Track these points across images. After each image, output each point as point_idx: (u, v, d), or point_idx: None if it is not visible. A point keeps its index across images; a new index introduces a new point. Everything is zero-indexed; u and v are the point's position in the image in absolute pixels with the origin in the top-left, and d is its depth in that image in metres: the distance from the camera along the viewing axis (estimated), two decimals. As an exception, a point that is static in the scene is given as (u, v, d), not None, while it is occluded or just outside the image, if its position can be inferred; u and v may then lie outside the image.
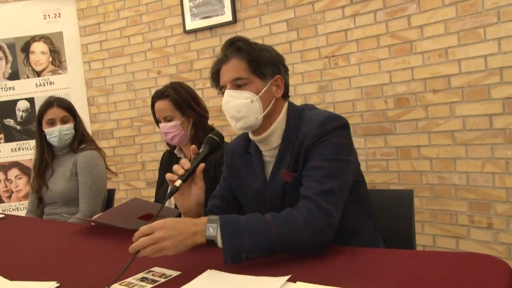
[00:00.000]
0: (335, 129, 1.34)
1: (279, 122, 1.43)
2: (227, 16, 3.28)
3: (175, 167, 1.32)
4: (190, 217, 1.38)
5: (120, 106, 3.80)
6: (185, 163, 1.32)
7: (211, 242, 1.17)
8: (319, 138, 1.32)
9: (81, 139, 2.47)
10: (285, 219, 1.20)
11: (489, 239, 2.43)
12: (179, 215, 1.71)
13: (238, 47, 1.41)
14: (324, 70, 2.95)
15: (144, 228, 1.16)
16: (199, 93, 3.35)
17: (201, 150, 1.36)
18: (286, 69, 1.49)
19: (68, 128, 2.42)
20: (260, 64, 1.40)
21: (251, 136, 1.49)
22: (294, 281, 1.02)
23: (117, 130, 3.83)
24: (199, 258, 1.24)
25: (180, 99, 2.05)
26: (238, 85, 1.40)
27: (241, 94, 1.39)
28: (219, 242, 1.16)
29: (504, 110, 2.32)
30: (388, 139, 2.75)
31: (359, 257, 1.15)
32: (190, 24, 3.43)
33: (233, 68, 1.40)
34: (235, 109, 1.38)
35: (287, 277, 1.04)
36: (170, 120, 2.06)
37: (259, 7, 3.18)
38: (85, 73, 3.87)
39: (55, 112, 2.41)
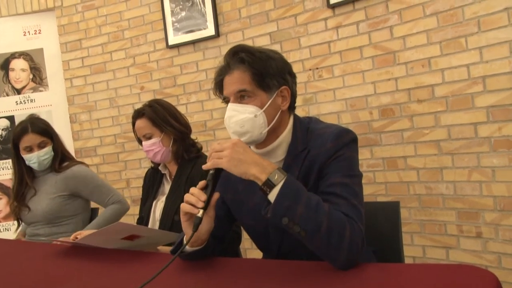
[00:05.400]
0: (349, 143, 1.33)
1: (286, 135, 1.40)
2: (210, 30, 3.28)
3: (192, 199, 1.26)
4: (198, 245, 1.36)
5: (103, 123, 3.77)
6: (201, 195, 1.26)
7: (264, 187, 1.19)
8: (335, 152, 1.31)
9: (61, 158, 2.45)
10: (338, 222, 1.17)
11: (478, 249, 2.43)
12: (170, 244, 1.69)
13: (241, 58, 1.36)
14: (308, 83, 2.96)
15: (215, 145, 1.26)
16: (182, 108, 3.37)
17: (210, 170, 1.28)
18: (294, 77, 1.44)
19: (46, 152, 2.38)
20: (265, 76, 1.35)
21: (253, 149, 1.44)
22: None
23: (100, 147, 3.79)
24: None
25: (156, 116, 2.05)
26: (242, 96, 1.36)
27: (245, 108, 1.34)
28: (273, 194, 1.17)
29: (488, 119, 2.34)
30: (374, 151, 2.76)
31: (345, 272, 1.15)
32: (173, 39, 3.43)
33: (237, 80, 1.35)
34: (238, 124, 1.34)
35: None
36: (149, 138, 2.05)
37: (242, 21, 3.19)
38: (67, 90, 3.84)
39: (31, 139, 2.35)
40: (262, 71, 1.35)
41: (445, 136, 2.49)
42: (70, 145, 3.60)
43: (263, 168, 1.20)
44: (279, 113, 1.38)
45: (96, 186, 2.43)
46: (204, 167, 1.27)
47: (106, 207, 2.43)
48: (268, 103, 1.36)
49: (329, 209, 1.18)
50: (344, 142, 1.32)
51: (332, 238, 1.14)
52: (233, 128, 1.36)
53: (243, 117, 1.34)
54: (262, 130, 1.35)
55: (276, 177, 1.18)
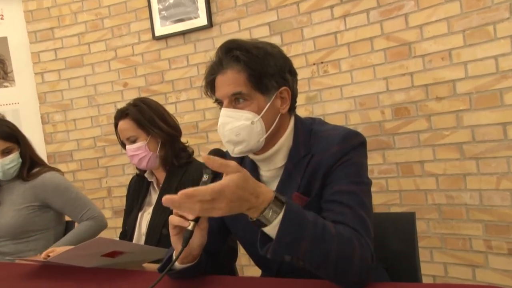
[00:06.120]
0: (357, 146, 1.34)
1: (286, 139, 1.42)
2: (202, 20, 3.28)
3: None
4: (189, 261, 1.36)
5: (80, 124, 3.76)
6: None
7: (257, 223, 1.13)
8: (341, 157, 1.32)
9: (31, 165, 2.43)
10: (347, 243, 1.17)
11: (511, 268, 2.42)
12: (158, 261, 1.69)
13: (236, 57, 1.35)
14: (312, 79, 2.97)
15: (203, 192, 1.04)
16: (171, 107, 3.38)
17: (203, 178, 1.27)
18: (294, 75, 1.45)
19: (12, 160, 2.36)
20: (263, 77, 1.35)
21: (250, 155, 1.45)
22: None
23: (77, 152, 3.78)
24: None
25: (142, 116, 2.06)
26: (237, 99, 1.36)
27: (240, 114, 1.35)
28: (272, 230, 1.12)
29: (520, 118, 2.34)
30: (386, 155, 2.76)
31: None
32: (160, 29, 3.44)
33: (231, 82, 1.35)
34: (233, 132, 1.35)
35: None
36: (134, 141, 2.06)
37: (238, 9, 3.20)
38: (37, 86, 3.81)
39: None
40: (260, 71, 1.35)
41: (468, 138, 2.49)
42: (41, 149, 3.56)
43: (256, 209, 1.12)
44: (278, 117, 1.39)
45: (70, 198, 2.40)
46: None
47: (80, 223, 2.41)
48: (266, 107, 1.36)
49: (336, 231, 1.17)
50: (351, 146, 1.33)
51: (341, 262, 1.15)
52: (227, 137, 1.37)
53: (238, 125, 1.34)
54: (259, 137, 1.36)
55: (270, 213, 1.11)
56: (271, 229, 1.12)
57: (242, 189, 1.07)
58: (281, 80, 1.39)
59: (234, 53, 1.36)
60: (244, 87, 1.35)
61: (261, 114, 1.36)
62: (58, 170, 2.50)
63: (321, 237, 1.14)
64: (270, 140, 1.40)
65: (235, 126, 1.34)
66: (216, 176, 1.24)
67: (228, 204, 1.06)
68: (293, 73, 1.44)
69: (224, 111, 1.36)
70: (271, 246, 1.12)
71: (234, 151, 1.39)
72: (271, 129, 1.38)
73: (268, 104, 1.37)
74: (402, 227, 1.69)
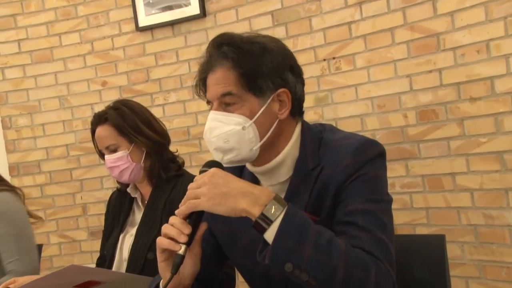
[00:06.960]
0: (374, 158, 1.36)
1: (291, 149, 1.43)
2: (194, 8, 3.30)
3: (172, 232, 1.28)
4: None
5: (50, 129, 3.76)
6: (184, 227, 1.28)
7: (258, 224, 1.19)
8: (355, 171, 1.33)
9: None
10: (359, 264, 1.19)
11: None
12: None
13: (225, 53, 1.37)
14: (322, 77, 2.98)
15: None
16: (159, 110, 3.39)
17: None
18: (298, 75, 1.45)
19: None
20: (257, 76, 1.37)
21: (249, 167, 1.47)
22: None
23: (46, 162, 3.78)
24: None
25: (124, 121, 2.07)
26: (226, 103, 1.38)
27: (230, 118, 1.36)
28: (271, 232, 1.18)
29: None
30: (410, 166, 2.76)
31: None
32: (145, 19, 3.45)
33: (220, 81, 1.37)
34: (222, 138, 1.36)
35: None
36: (114, 150, 2.07)
37: (236, -4, 3.21)
38: (-4, 84, 3.80)
39: None
40: (253, 70, 1.36)
41: (510, 146, 2.46)
42: (2, 160, 3.60)
43: (255, 199, 1.21)
44: (275, 123, 1.40)
45: (8, 234, 2.29)
46: (177, 212, 1.29)
47: (5, 271, 2.27)
48: (260, 111, 1.38)
49: (346, 247, 1.19)
50: (367, 157, 1.34)
51: (352, 286, 1.16)
52: (215, 144, 1.39)
53: (228, 130, 1.36)
54: (252, 146, 1.38)
55: (273, 209, 1.19)
56: (271, 234, 1.17)
57: (224, 174, 1.26)
58: (278, 81, 1.40)
59: (223, 49, 1.38)
60: (234, 86, 1.36)
61: (254, 119, 1.37)
62: (15, 192, 2.42)
63: (326, 247, 1.17)
64: (270, 150, 1.41)
65: (223, 132, 1.36)
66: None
67: (210, 181, 1.24)
68: (296, 72, 1.45)
69: (212, 115, 1.39)
70: (270, 249, 1.17)
71: (223, 160, 1.40)
72: (266, 137, 1.39)
73: (263, 108, 1.38)
74: (430, 252, 1.69)
